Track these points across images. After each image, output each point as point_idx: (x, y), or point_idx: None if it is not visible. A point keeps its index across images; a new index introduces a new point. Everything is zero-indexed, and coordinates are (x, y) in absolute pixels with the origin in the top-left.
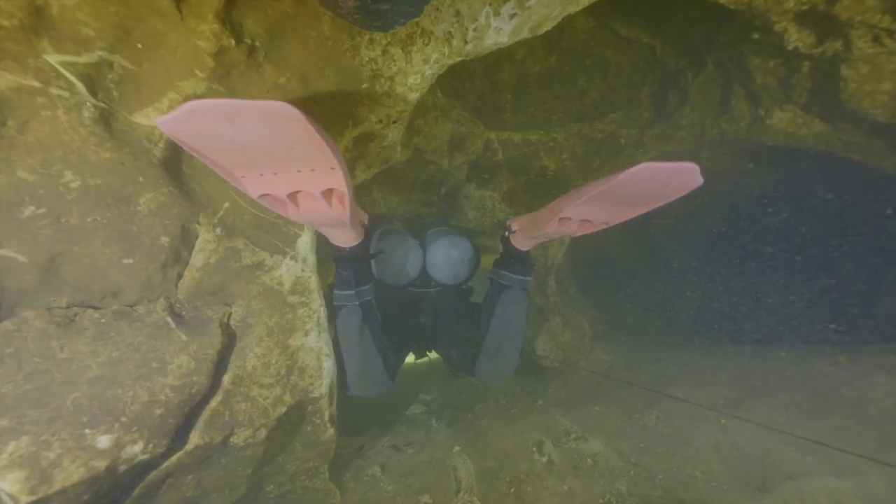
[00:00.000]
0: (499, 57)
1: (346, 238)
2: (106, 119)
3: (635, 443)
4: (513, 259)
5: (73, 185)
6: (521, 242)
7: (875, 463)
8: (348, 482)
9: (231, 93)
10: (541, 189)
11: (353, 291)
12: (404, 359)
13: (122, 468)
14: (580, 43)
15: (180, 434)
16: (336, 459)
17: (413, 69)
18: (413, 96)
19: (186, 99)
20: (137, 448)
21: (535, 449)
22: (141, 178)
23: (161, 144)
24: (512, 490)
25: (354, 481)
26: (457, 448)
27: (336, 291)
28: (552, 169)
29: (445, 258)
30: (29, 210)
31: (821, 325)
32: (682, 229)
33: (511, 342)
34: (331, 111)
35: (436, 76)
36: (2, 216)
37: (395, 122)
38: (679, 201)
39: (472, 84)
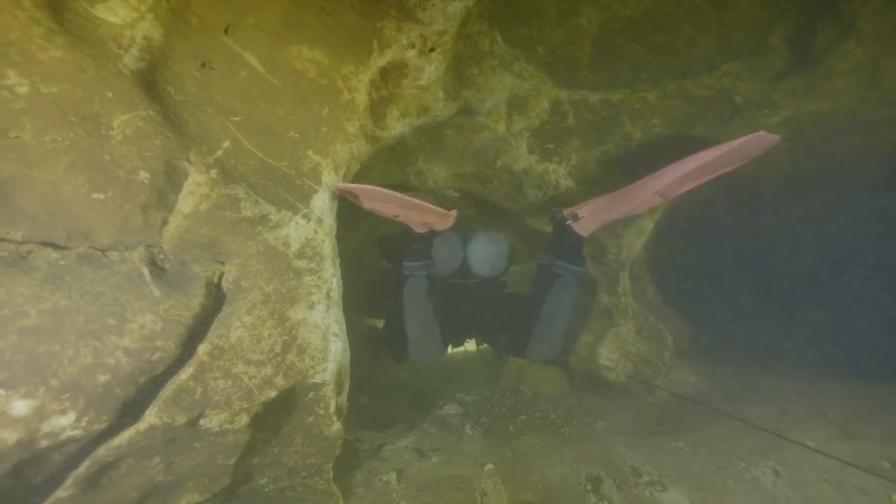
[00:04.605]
0: None
1: (423, 228)
2: (54, 5)
3: None
4: (568, 247)
5: (20, 90)
6: (585, 228)
7: None
8: (357, 486)
9: None
10: (618, 163)
11: (421, 263)
12: (459, 337)
13: (45, 443)
14: None
15: (131, 409)
16: (350, 455)
17: None
18: (455, 6)
19: None
20: (66, 420)
21: (589, 487)
22: (110, 94)
23: (134, 51)
24: None
25: (364, 486)
26: (489, 466)
27: (405, 263)
28: (637, 137)
29: (485, 253)
30: None
31: None
32: (811, 230)
33: (560, 325)
34: (350, 27)
35: None
36: None
37: (432, 49)
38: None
39: (541, 32)
